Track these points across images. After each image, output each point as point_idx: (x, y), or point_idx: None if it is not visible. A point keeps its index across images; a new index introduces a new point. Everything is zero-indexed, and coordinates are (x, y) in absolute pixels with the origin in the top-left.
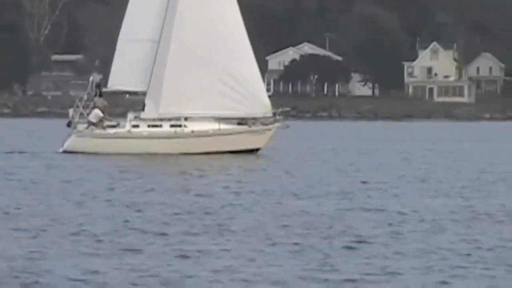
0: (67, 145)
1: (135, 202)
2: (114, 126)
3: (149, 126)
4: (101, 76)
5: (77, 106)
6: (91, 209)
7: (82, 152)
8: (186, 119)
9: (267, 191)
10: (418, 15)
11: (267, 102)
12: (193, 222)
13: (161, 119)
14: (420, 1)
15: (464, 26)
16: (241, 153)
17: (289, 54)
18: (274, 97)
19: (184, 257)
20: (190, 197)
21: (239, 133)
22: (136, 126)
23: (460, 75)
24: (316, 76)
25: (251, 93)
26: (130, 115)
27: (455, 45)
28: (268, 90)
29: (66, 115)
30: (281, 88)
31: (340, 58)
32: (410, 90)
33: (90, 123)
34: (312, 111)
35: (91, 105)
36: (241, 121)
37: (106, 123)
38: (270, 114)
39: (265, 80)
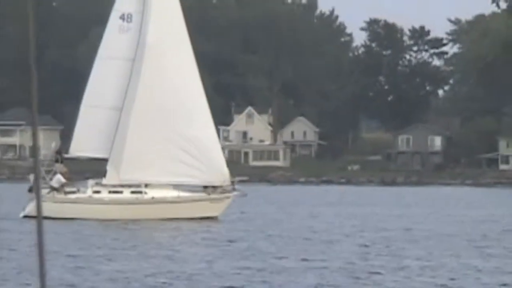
0: (29, 210)
1: None
2: (73, 192)
3: (110, 192)
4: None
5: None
6: None
7: (44, 217)
8: (146, 185)
9: None
10: (232, 79)
11: (226, 170)
12: None
13: (122, 185)
14: (233, 65)
15: (278, 91)
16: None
17: None
18: None
19: None
20: None
21: (198, 200)
22: (97, 192)
23: (275, 139)
24: None
25: (210, 161)
26: (91, 181)
27: (270, 110)
28: None
29: None
30: None
31: None
32: (226, 154)
33: (52, 188)
34: None
35: (53, 171)
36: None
37: (67, 189)
38: (228, 183)
39: None
